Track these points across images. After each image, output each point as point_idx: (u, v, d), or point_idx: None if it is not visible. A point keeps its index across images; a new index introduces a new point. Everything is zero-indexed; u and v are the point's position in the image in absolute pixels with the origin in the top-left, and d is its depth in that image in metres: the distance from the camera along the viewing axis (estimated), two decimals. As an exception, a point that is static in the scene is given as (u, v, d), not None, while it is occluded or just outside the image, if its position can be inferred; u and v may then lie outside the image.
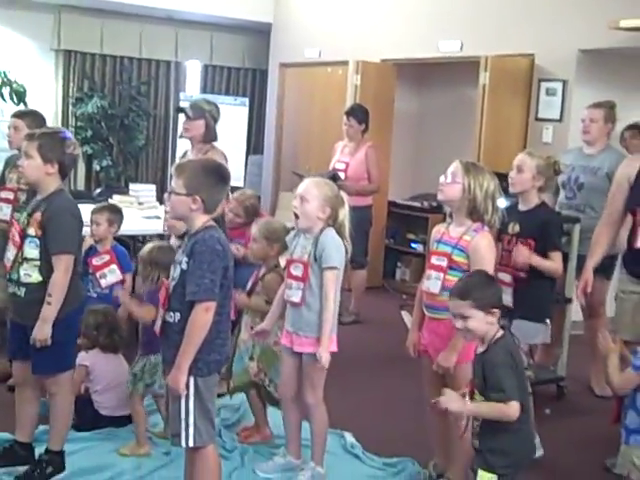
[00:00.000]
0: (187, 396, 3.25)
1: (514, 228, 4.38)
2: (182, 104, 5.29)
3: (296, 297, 3.91)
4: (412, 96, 9.33)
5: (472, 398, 3.20)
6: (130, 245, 6.67)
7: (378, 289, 8.54)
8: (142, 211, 7.15)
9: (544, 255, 4.31)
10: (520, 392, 3.15)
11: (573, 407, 5.42)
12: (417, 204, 8.72)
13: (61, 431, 3.93)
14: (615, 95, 6.06)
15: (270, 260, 4.44)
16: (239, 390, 4.51)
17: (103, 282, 5.26)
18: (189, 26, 10.30)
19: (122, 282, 5.28)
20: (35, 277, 3.73)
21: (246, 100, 10.52)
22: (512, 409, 3.09)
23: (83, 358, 4.49)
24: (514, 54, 7.32)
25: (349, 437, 4.63)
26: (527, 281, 4.30)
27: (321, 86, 9.51)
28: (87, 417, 4.44)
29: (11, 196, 5.00)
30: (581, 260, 5.14)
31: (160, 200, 7.75)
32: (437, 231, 3.98)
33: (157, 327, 3.39)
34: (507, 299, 4.15)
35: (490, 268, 3.78)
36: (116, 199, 7.60)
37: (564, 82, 7.04)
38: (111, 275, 5.28)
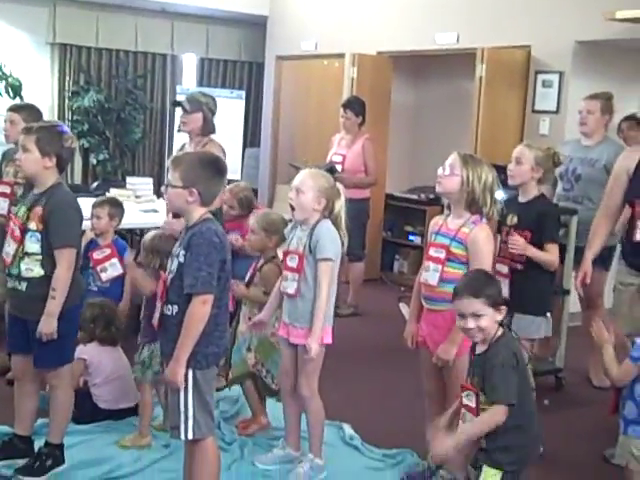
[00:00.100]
0: (186, 389, 3.25)
1: (512, 220, 4.40)
2: (178, 98, 5.27)
3: (291, 288, 3.92)
4: (409, 88, 9.33)
5: (477, 399, 3.19)
6: (127, 238, 6.67)
7: (376, 281, 8.55)
8: (139, 204, 7.14)
9: (540, 247, 4.32)
10: (522, 390, 3.15)
11: (571, 398, 5.43)
12: (414, 196, 8.72)
13: (61, 424, 3.94)
14: (612, 86, 6.07)
15: (268, 252, 4.45)
16: (237, 381, 4.52)
17: (104, 276, 5.27)
18: (185, 19, 10.27)
19: (123, 276, 5.29)
20: (37, 271, 3.73)
21: (242, 93, 10.50)
22: (497, 415, 3.09)
23: (81, 351, 4.50)
24: (510, 46, 7.31)
25: (348, 429, 4.64)
26: (525, 273, 4.32)
27: (318, 79, 9.50)
28: (86, 410, 4.44)
29: (8, 190, 5.00)
30: (579, 252, 5.16)
31: (157, 193, 7.75)
32: (435, 223, 3.98)
33: (155, 320, 3.39)
34: (504, 291, 4.15)
35: (488, 260, 3.79)
36: (113, 193, 7.59)
37: (560, 74, 7.03)
38: (112, 269, 5.29)
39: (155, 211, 7.07)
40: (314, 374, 3.99)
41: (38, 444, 3.98)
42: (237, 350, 4.43)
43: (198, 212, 3.28)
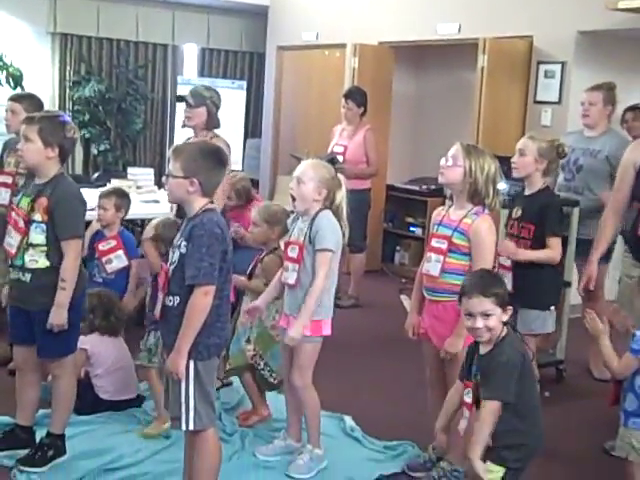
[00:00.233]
0: (187, 380, 3.24)
1: (517, 212, 4.38)
2: (182, 92, 5.25)
3: (292, 279, 3.92)
4: (410, 79, 9.31)
5: (475, 396, 3.20)
6: (128, 229, 6.66)
7: (377, 273, 8.54)
8: (140, 195, 7.13)
9: (543, 240, 4.29)
10: (528, 388, 3.17)
11: (572, 390, 5.43)
12: (416, 187, 8.70)
13: (63, 415, 3.94)
14: (614, 76, 6.04)
15: (271, 243, 4.45)
16: (235, 373, 4.51)
17: (109, 267, 5.27)
18: (186, 9, 10.24)
19: (128, 268, 5.29)
20: (42, 262, 3.73)
21: (244, 83, 10.49)
22: (494, 411, 3.09)
23: (83, 342, 4.48)
24: (512, 36, 7.29)
25: (349, 420, 4.64)
26: (528, 267, 4.29)
27: (319, 69, 9.48)
28: (87, 401, 4.44)
29: (9, 180, 4.99)
30: (579, 244, 5.15)
31: (158, 184, 7.74)
32: (437, 214, 3.98)
33: (157, 311, 3.38)
34: (507, 285, 4.15)
35: (491, 251, 3.78)
36: (114, 183, 7.58)
37: (563, 64, 7.02)
38: (117, 260, 5.29)
39: (156, 202, 7.07)
40: (308, 366, 3.99)
41: (40, 435, 3.98)
42: (236, 341, 4.44)
43: (199, 202, 3.27)
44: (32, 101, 5.05)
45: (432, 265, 3.83)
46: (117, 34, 9.98)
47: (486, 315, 3.16)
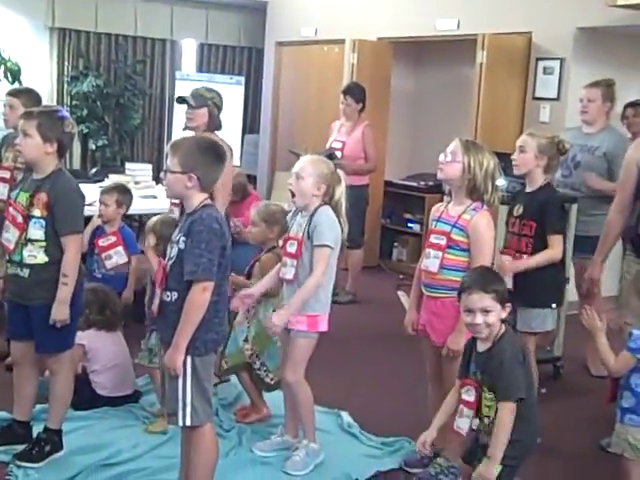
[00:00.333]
0: (184, 375, 3.24)
1: (518, 210, 4.36)
2: (181, 91, 5.22)
3: (290, 274, 3.92)
4: (409, 75, 9.30)
5: (480, 397, 3.19)
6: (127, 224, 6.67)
7: (374, 269, 8.54)
8: (138, 191, 7.11)
9: (545, 237, 4.27)
10: (527, 385, 3.16)
11: (569, 387, 5.44)
12: (414, 184, 8.70)
13: (60, 410, 3.94)
14: (613, 73, 6.04)
15: (269, 243, 4.44)
16: (232, 372, 4.50)
17: (108, 263, 5.26)
18: (184, 4, 10.23)
19: (127, 264, 5.28)
20: (41, 258, 3.72)
21: (242, 79, 10.47)
22: (510, 413, 3.10)
23: (80, 337, 4.47)
24: (511, 32, 7.28)
25: (346, 416, 4.64)
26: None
27: (317, 65, 9.47)
28: (84, 397, 4.44)
29: (7, 175, 4.98)
30: (576, 241, 5.15)
31: (156, 179, 7.74)
32: (436, 210, 3.98)
33: (155, 307, 3.38)
34: (508, 282, 4.15)
35: (490, 247, 3.78)
36: (112, 178, 7.58)
37: (561, 60, 7.01)
38: (117, 257, 5.28)
39: (154, 197, 7.06)
40: (301, 361, 3.98)
41: (37, 430, 3.98)
42: (233, 340, 4.42)
43: (198, 198, 3.27)
44: (30, 96, 5.04)
45: (431, 261, 3.82)
46: (115, 29, 9.96)
47: (486, 311, 3.17)
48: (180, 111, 9.30)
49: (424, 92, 9.29)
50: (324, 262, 3.85)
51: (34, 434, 3.98)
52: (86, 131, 9.63)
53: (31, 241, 3.72)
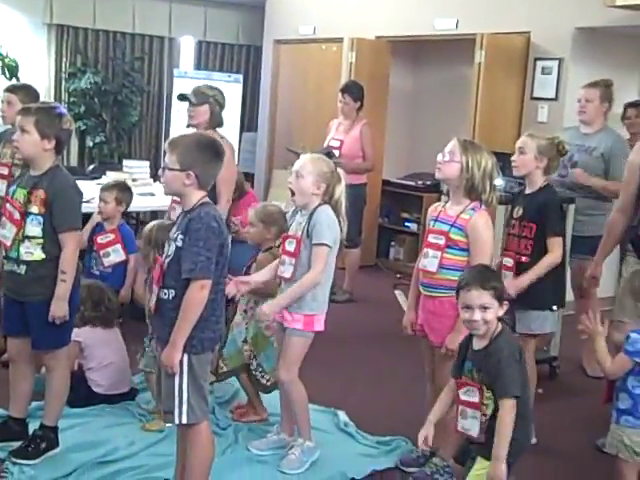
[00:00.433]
0: (181, 373, 3.24)
1: (518, 212, 4.35)
2: (181, 89, 5.19)
3: (288, 273, 3.91)
4: (407, 74, 9.29)
5: (481, 394, 3.19)
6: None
7: (372, 268, 8.54)
8: (136, 188, 7.07)
9: (545, 239, 4.26)
10: (521, 383, 3.17)
11: (565, 387, 5.44)
12: (411, 183, 8.69)
13: (56, 407, 3.94)
14: (611, 73, 6.05)
15: (267, 243, 4.42)
16: (232, 374, 4.48)
17: (106, 261, 5.27)
18: (183, 1, 10.21)
19: (125, 262, 5.28)
20: (37, 255, 3.72)
21: (240, 77, 10.44)
22: (511, 410, 3.11)
23: (76, 334, 4.47)
24: (510, 32, 7.28)
25: (342, 415, 4.64)
26: (529, 267, 4.24)
27: (316, 63, 9.45)
28: (80, 394, 4.43)
29: (6, 171, 4.97)
30: (573, 241, 5.15)
31: (154, 177, 7.73)
32: (434, 209, 3.98)
33: (151, 304, 3.38)
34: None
35: (489, 246, 3.78)
36: (110, 176, 7.58)
37: (560, 60, 7.01)
38: (115, 254, 5.29)
39: (152, 194, 7.06)
40: (296, 360, 3.97)
41: (33, 427, 3.98)
42: (232, 342, 4.40)
43: (196, 196, 3.26)
44: (28, 92, 5.03)
45: (429, 261, 3.82)
46: (113, 26, 9.94)
47: (484, 308, 3.18)
48: (178, 109, 9.32)
49: (422, 91, 9.28)
50: (322, 261, 3.84)
51: (30, 431, 3.97)
52: (84, 128, 9.60)
53: (28, 238, 3.72)
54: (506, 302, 3.25)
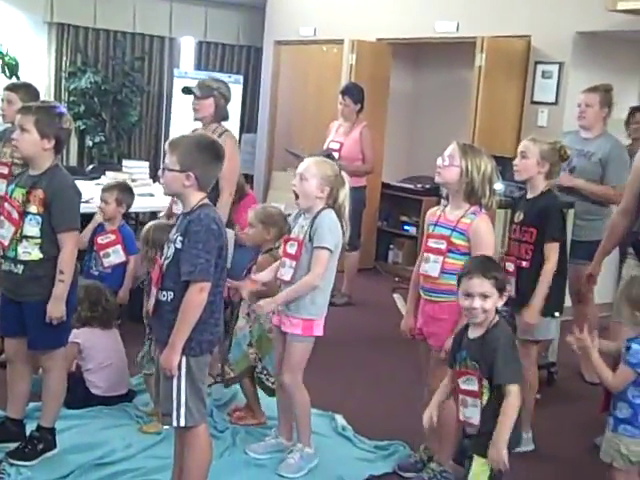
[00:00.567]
0: (179, 376, 3.23)
1: (519, 217, 4.34)
2: (189, 84, 5.17)
3: (287, 275, 3.90)
4: (407, 76, 9.29)
5: (481, 383, 3.21)
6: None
7: (370, 271, 8.53)
8: (135, 188, 7.06)
9: (542, 245, 4.25)
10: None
11: (563, 393, 5.43)
12: (411, 186, 8.68)
13: (53, 408, 3.93)
14: (611, 78, 6.05)
15: (266, 244, 4.41)
16: (240, 379, 4.45)
17: (106, 261, 5.26)
18: (183, 1, 10.20)
19: (125, 263, 5.27)
20: (35, 254, 3.71)
21: (240, 78, 10.44)
22: (514, 400, 3.14)
23: (75, 335, 4.48)
24: (510, 36, 7.28)
25: (340, 419, 4.63)
26: (530, 272, 4.24)
27: (316, 65, 9.45)
28: (78, 395, 4.42)
29: (5, 171, 4.96)
30: (571, 246, 5.14)
31: (153, 177, 7.72)
32: (432, 214, 3.97)
33: (150, 306, 3.37)
34: (509, 288, 4.13)
35: (490, 250, 3.77)
36: (109, 176, 7.58)
37: (560, 64, 7.00)
38: (114, 255, 5.28)
39: (151, 195, 7.05)
40: (299, 365, 3.97)
41: (30, 428, 3.97)
42: (237, 346, 4.38)
43: (195, 197, 3.25)
44: (28, 91, 5.02)
45: (431, 266, 3.81)
46: (114, 25, 9.93)
47: (484, 296, 3.22)
48: (179, 108, 9.33)
49: (422, 94, 9.28)
50: (321, 264, 3.83)
51: (27, 432, 3.96)
52: (83, 127, 9.60)
53: (26, 237, 3.71)
54: (505, 293, 3.29)
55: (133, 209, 6.29)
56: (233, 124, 9.75)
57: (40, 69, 9.53)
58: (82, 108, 9.60)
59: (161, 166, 3.42)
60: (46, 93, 9.32)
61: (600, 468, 3.59)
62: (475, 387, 3.23)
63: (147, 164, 8.22)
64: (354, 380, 5.37)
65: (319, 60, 9.41)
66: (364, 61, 8.32)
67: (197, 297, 3.15)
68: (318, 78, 9.32)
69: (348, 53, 8.49)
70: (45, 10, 9.48)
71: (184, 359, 3.22)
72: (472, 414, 3.26)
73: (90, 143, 9.75)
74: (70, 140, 8.65)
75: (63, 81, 9.71)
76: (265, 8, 10.13)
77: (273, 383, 4.32)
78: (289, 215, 4.26)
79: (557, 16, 6.94)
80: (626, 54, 7.08)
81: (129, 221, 6.68)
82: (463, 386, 3.28)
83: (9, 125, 4.92)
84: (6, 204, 3.81)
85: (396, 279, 7.93)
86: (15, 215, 3.73)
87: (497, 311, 3.30)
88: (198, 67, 10.56)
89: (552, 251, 4.22)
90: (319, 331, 3.96)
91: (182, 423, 3.27)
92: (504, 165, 4.60)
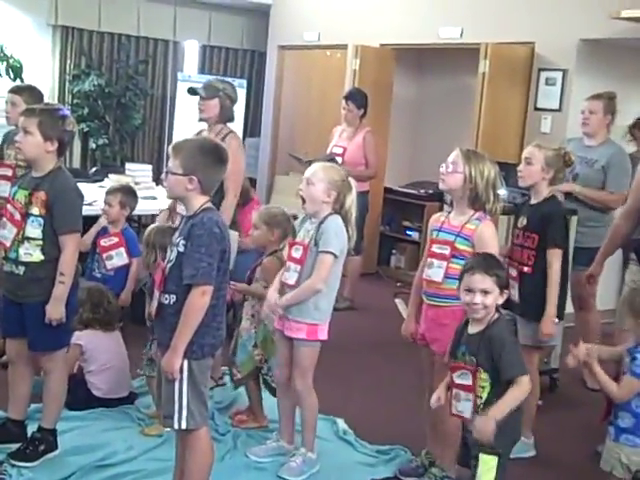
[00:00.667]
0: (181, 379, 3.23)
1: (522, 222, 4.34)
2: (195, 85, 5.17)
3: (292, 279, 3.90)
4: (411, 82, 9.30)
5: (475, 377, 3.24)
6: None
7: (372, 276, 8.53)
8: (138, 191, 7.07)
9: (544, 251, 4.24)
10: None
11: (565, 399, 5.43)
12: (413, 191, 8.68)
13: (54, 409, 3.93)
14: (615, 85, 6.05)
15: (270, 246, 4.40)
16: (246, 380, 4.45)
17: (109, 264, 5.26)
18: (187, 5, 10.21)
19: (127, 266, 5.27)
20: (36, 256, 3.71)
21: (244, 82, 10.45)
22: (524, 386, 3.20)
23: (77, 337, 4.49)
24: (514, 42, 7.28)
25: (341, 424, 4.63)
26: (532, 277, 4.24)
27: (320, 70, 9.46)
28: (80, 397, 4.43)
29: (9, 173, 4.97)
30: (573, 252, 5.15)
31: (156, 180, 7.72)
32: (436, 220, 3.97)
33: (152, 309, 3.37)
34: (513, 293, 4.14)
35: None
36: (112, 178, 7.58)
37: (564, 71, 7.00)
38: (118, 258, 5.29)
39: (154, 198, 7.05)
40: (309, 369, 3.98)
41: (31, 429, 3.97)
42: (243, 348, 4.38)
43: (198, 201, 3.26)
44: (32, 93, 5.03)
45: (434, 271, 3.81)
46: (118, 28, 9.93)
47: (485, 292, 3.27)
48: (181, 112, 9.35)
49: (426, 100, 9.29)
50: (325, 268, 3.83)
51: (29, 433, 3.96)
52: (87, 130, 9.60)
53: (28, 239, 3.71)
54: (506, 290, 3.34)
55: (136, 212, 6.30)
56: (236, 128, 9.80)
57: (44, 72, 9.53)
58: (86, 111, 9.61)
59: (164, 169, 3.42)
60: (50, 96, 9.32)
61: (601, 475, 3.59)
62: (469, 381, 3.27)
63: (150, 167, 8.22)
64: (356, 384, 5.38)
65: (323, 65, 9.42)
66: (368, 66, 8.33)
67: (199, 300, 3.15)
68: (322, 83, 9.34)
69: (352, 58, 8.49)
70: (49, 13, 9.48)
71: (186, 362, 3.22)
72: (464, 408, 3.30)
73: (93, 146, 9.75)
74: (73, 142, 8.66)
75: (67, 84, 9.72)
76: (269, 13, 10.15)
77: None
78: (294, 216, 4.27)
79: (561, 23, 6.95)
80: (630, 62, 7.09)
81: (132, 224, 6.69)
82: (457, 380, 3.31)
83: (13, 127, 4.93)
84: (9, 205, 3.82)
85: (398, 284, 7.93)
86: (17, 216, 3.74)
87: (497, 309, 3.33)
88: (202, 71, 10.57)
89: (555, 257, 4.22)
90: (323, 335, 3.96)
91: (184, 426, 3.28)
92: (507, 171, 4.60)
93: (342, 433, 4.53)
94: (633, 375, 3.40)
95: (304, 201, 3.92)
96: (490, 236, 3.76)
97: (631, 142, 6.24)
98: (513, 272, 4.29)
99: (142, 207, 6.45)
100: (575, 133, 5.97)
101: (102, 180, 7.68)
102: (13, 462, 3.83)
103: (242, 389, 4.58)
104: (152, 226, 4.50)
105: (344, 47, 8.87)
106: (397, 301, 5.78)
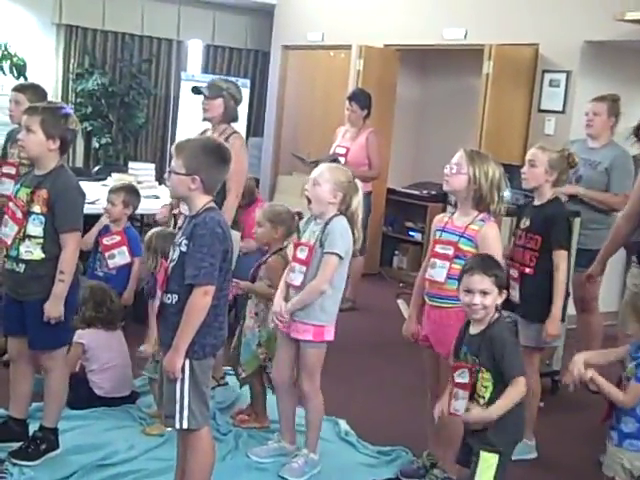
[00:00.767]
0: (182, 379, 3.23)
1: (525, 223, 4.34)
2: (199, 85, 5.16)
3: (297, 280, 3.90)
4: (414, 83, 9.30)
5: (474, 377, 3.24)
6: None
7: (375, 276, 8.53)
8: (141, 190, 7.07)
9: (549, 252, 4.24)
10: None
11: (567, 401, 5.40)
12: (416, 192, 8.68)
13: (55, 408, 3.93)
14: (619, 87, 6.05)
15: (274, 244, 4.39)
16: (250, 379, 4.44)
17: (111, 263, 5.26)
18: (191, 4, 10.22)
19: (130, 265, 5.27)
20: (37, 254, 3.71)
21: (247, 82, 10.45)
22: (520, 387, 3.21)
23: (80, 336, 4.49)
24: (518, 44, 7.28)
25: (343, 424, 4.63)
26: (534, 278, 4.23)
27: (323, 70, 9.46)
28: (81, 396, 4.43)
29: (13, 171, 4.97)
30: (576, 254, 5.14)
31: (159, 180, 7.72)
32: (439, 220, 3.96)
33: (155, 308, 3.37)
34: (514, 294, 4.14)
35: (498, 257, 3.75)
36: (115, 177, 7.58)
37: (568, 73, 7.00)
38: (120, 256, 5.28)
39: (156, 197, 7.05)
40: (315, 370, 3.98)
41: (33, 428, 3.97)
42: (247, 347, 4.38)
43: (201, 200, 3.26)
44: (36, 91, 5.03)
45: (437, 271, 3.80)
46: (122, 28, 9.95)
47: (484, 293, 3.29)
48: (184, 112, 9.35)
49: (429, 100, 9.29)
50: (329, 269, 3.83)
51: (30, 432, 3.96)
52: (90, 129, 9.62)
53: (29, 237, 3.71)
54: (505, 291, 3.35)
55: (138, 211, 6.30)
56: (240, 128, 9.79)
57: (48, 70, 9.55)
58: (89, 109, 9.62)
59: (167, 169, 3.41)
60: (53, 94, 9.34)
61: (603, 476, 3.58)
62: (466, 380, 3.28)
63: (153, 166, 8.22)
64: (357, 385, 5.37)
65: (326, 65, 9.43)
66: (371, 67, 8.33)
67: (201, 300, 3.15)
68: (325, 83, 9.34)
69: (355, 59, 8.50)
70: (54, 11, 9.50)
71: (187, 362, 3.22)
72: (460, 407, 3.30)
73: (96, 145, 9.77)
74: (76, 141, 8.67)
75: (70, 82, 9.74)
76: (273, 12, 10.16)
77: None
78: (299, 213, 4.26)
79: (565, 25, 6.94)
80: (634, 64, 7.08)
81: (134, 223, 6.69)
82: (457, 379, 3.32)
83: (17, 126, 4.93)
84: (11, 203, 3.82)
85: (400, 285, 7.92)
86: (19, 214, 3.74)
87: (497, 309, 3.34)
88: (205, 70, 10.57)
89: (561, 259, 4.21)
90: (330, 336, 3.96)
91: (185, 425, 3.27)
92: (511, 173, 4.58)
93: (344, 434, 4.53)
94: (638, 381, 3.38)
95: (310, 202, 3.91)
96: (494, 237, 3.76)
97: (635, 144, 6.22)
98: (514, 273, 4.28)
99: (145, 206, 6.45)
100: (579, 135, 5.96)
101: (105, 179, 7.68)
102: (14, 461, 3.82)
103: (245, 388, 4.58)
104: (153, 230, 4.49)
105: (348, 47, 8.88)
106: (399, 302, 5.78)
